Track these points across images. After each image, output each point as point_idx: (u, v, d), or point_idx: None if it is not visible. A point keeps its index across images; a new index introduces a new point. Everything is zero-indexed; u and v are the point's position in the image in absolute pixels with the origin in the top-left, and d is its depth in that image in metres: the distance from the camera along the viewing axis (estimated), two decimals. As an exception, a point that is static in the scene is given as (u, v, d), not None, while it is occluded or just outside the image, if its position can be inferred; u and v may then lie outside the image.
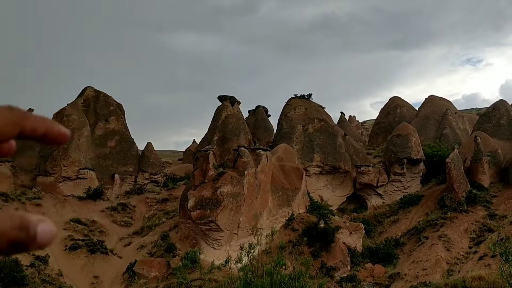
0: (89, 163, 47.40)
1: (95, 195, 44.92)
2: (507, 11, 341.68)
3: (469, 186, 41.52)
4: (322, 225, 35.90)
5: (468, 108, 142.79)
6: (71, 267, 31.60)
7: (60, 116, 48.15)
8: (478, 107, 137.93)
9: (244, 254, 11.00)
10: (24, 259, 29.69)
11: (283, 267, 10.43)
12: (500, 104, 53.92)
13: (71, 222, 37.95)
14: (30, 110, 53.16)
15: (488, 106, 63.93)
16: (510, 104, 56.43)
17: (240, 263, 11.01)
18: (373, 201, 49.58)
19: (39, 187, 43.65)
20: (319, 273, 31.88)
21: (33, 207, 39.60)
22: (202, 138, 58.41)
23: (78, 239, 34.70)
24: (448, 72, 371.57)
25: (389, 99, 77.94)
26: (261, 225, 34.23)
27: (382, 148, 59.68)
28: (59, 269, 30.66)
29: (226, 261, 12.28)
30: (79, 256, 32.68)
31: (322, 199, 47.25)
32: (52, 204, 41.59)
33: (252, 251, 10.98)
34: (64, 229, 36.58)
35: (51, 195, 43.06)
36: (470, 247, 33.87)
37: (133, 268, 30.62)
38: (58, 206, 41.57)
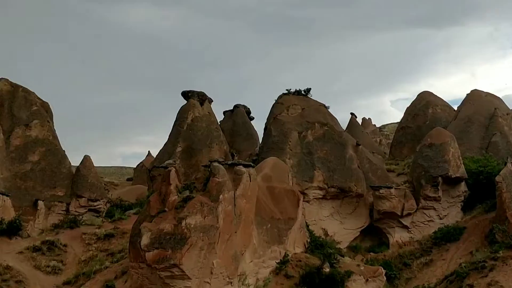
0: (2, 185, 46.82)
1: (10, 230, 44.18)
2: None
3: (528, 214, 41.78)
4: (327, 270, 35.85)
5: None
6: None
7: (-39, 119, 47.58)
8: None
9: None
10: None
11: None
12: None
13: (-25, 269, 37.35)
14: None
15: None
16: None
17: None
18: (397, 236, 49.67)
19: None
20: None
21: None
22: (161, 150, 58.24)
23: (-14, 293, 34.16)
24: (495, 58, 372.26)
25: (417, 96, 78.45)
26: (243, 269, 34.03)
27: (408, 163, 59.97)
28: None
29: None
30: (-13, 318, 32.11)
31: (326, 233, 47.28)
32: (-51, 243, 40.96)
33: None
34: (-35, 278, 35.98)
35: None
36: (530, 299, 34.00)
37: (64, 333, 30.18)
38: (-43, 246, 40.94)
